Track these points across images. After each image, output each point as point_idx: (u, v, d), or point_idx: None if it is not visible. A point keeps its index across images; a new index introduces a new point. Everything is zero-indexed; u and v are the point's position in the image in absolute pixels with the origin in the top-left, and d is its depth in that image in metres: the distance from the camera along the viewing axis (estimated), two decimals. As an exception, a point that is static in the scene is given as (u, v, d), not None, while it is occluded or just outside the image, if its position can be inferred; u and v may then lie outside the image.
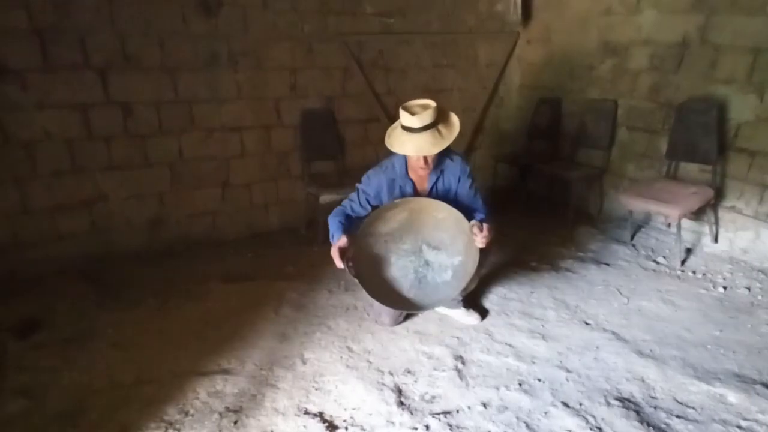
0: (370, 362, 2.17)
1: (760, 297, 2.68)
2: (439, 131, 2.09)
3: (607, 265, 3.10)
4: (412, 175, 2.27)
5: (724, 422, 1.81)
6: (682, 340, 2.33)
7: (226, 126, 3.34)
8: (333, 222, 2.24)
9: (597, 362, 2.17)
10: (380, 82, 3.86)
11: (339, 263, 2.07)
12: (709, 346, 2.27)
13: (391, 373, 2.09)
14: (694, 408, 1.88)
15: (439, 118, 2.11)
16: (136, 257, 3.13)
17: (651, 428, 1.77)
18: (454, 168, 2.28)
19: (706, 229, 3.27)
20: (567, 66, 4.00)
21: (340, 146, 3.71)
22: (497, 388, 1.99)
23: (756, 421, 1.81)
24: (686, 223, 3.29)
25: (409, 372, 2.10)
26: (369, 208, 2.29)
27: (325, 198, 3.23)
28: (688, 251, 3.23)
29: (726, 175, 3.13)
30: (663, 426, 1.79)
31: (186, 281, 2.87)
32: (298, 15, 3.39)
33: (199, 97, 3.20)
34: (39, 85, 2.72)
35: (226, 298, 2.70)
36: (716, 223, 3.21)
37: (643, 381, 2.04)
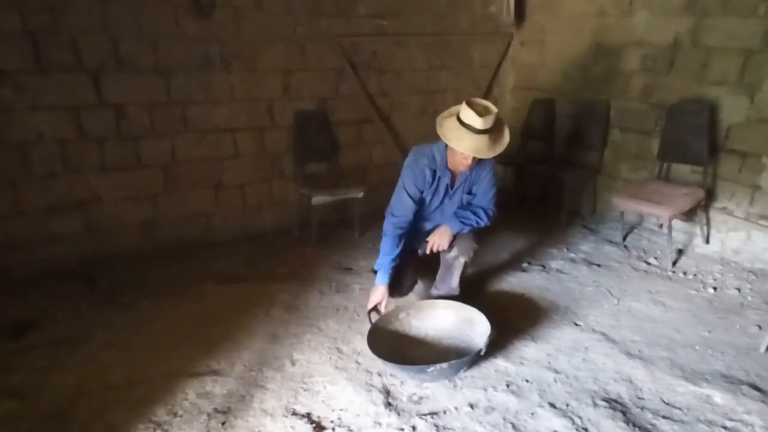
0: (359, 363, 2.18)
1: (749, 298, 2.69)
2: (495, 137, 2.11)
3: (599, 266, 3.11)
4: (451, 167, 2.30)
5: (710, 423, 1.82)
6: (671, 340, 2.34)
7: (219, 127, 3.34)
8: (387, 256, 2.27)
9: (585, 363, 2.18)
10: (374, 84, 3.87)
11: (372, 305, 2.26)
12: (697, 347, 2.28)
13: (379, 374, 2.10)
14: (680, 408, 1.89)
15: (496, 125, 2.11)
16: (130, 258, 3.14)
17: (637, 429, 1.78)
18: (483, 168, 2.33)
19: (697, 230, 3.28)
20: (560, 67, 4.01)
21: (333, 148, 3.73)
22: (485, 389, 2.00)
23: (741, 421, 1.82)
24: (678, 224, 3.30)
25: (398, 373, 2.11)
26: (412, 212, 2.30)
27: (318, 199, 3.24)
28: (680, 252, 3.24)
29: (717, 177, 3.15)
30: (649, 427, 1.80)
31: (179, 282, 2.87)
32: (291, 17, 3.40)
33: (193, 99, 3.20)
34: (32, 87, 2.73)
35: (219, 300, 2.71)
36: (708, 224, 3.22)
37: (630, 382, 2.05)
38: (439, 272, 2.56)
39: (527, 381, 2.06)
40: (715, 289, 2.79)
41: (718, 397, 1.95)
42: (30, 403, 1.94)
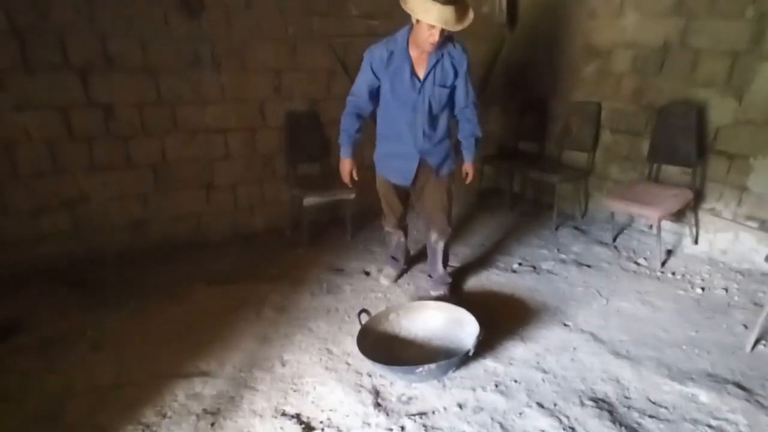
0: (349, 364, 2.18)
1: (736, 298, 2.72)
2: (460, 13, 2.10)
3: (589, 266, 3.13)
4: (412, 52, 2.26)
5: (695, 421, 1.84)
6: (659, 340, 2.36)
7: (210, 127, 3.33)
8: (345, 132, 2.42)
9: (573, 363, 2.19)
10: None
11: (346, 179, 2.50)
12: (684, 347, 2.30)
13: (369, 375, 2.10)
14: (666, 408, 1.91)
15: (460, 1, 2.10)
16: (119, 259, 3.13)
17: (623, 428, 1.80)
18: (455, 54, 2.29)
19: (686, 230, 3.30)
20: (552, 68, 4.02)
21: (325, 148, 3.71)
22: (473, 390, 2.01)
23: (726, 420, 1.85)
24: (667, 224, 3.32)
25: (387, 373, 2.12)
26: (367, 95, 2.36)
27: (309, 200, 3.23)
28: (669, 253, 3.27)
29: (706, 178, 3.17)
30: (635, 426, 1.82)
31: (169, 283, 2.86)
32: (282, 16, 3.39)
33: (183, 99, 3.19)
34: (18, 86, 2.71)
35: (209, 301, 2.70)
36: (696, 224, 3.25)
37: (617, 381, 2.07)
38: (428, 260, 2.81)
39: (515, 381, 2.07)
40: (702, 289, 2.82)
41: (704, 396, 1.97)
42: (18, 405, 1.93)
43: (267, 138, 3.56)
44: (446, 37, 2.22)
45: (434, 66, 2.28)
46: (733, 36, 2.89)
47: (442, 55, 2.28)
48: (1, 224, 2.83)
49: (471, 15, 2.16)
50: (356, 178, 2.53)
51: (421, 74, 2.29)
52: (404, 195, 2.70)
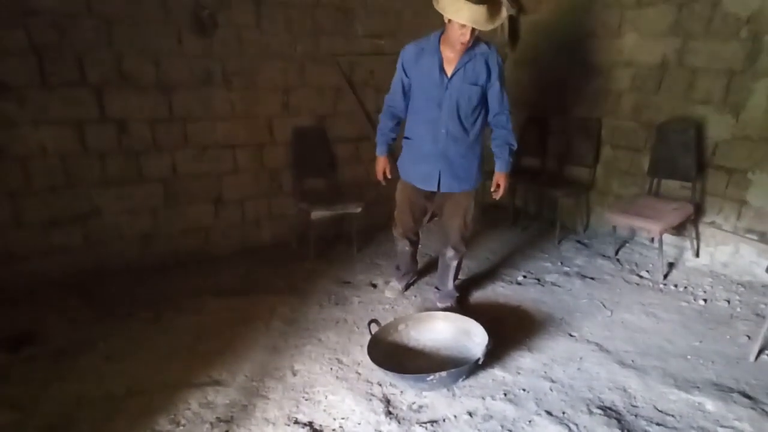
0: (359, 374, 2.21)
1: (738, 309, 2.76)
2: (493, 9, 2.12)
3: (593, 279, 3.17)
4: (444, 50, 2.29)
5: (702, 429, 1.87)
6: (663, 350, 2.39)
7: (219, 143, 3.41)
8: (380, 131, 2.58)
9: (580, 372, 2.22)
10: (371, 101, 3.95)
11: (380, 176, 2.62)
12: (688, 357, 2.33)
13: (379, 384, 2.13)
14: (673, 416, 1.94)
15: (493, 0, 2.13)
16: (129, 271, 3.16)
17: (632, 436, 1.82)
18: (488, 55, 2.30)
19: (688, 243, 3.36)
20: (553, 86, 4.12)
21: (331, 164, 3.79)
22: (483, 398, 2.04)
23: (733, 428, 1.87)
24: (669, 238, 3.38)
25: (397, 383, 2.14)
26: (401, 92, 2.44)
27: (317, 214, 3.28)
28: (671, 265, 3.31)
29: (706, 192, 3.24)
30: (643, 433, 1.84)
31: (178, 295, 2.89)
32: (291, 36, 3.50)
33: (193, 115, 3.27)
34: (36, 102, 2.78)
35: (218, 312, 2.73)
36: (697, 238, 3.30)
37: (624, 390, 2.10)
38: (438, 272, 2.83)
39: (524, 390, 2.10)
40: (705, 300, 2.86)
41: (710, 404, 1.99)
42: (31, 414, 1.94)
43: (275, 153, 3.63)
44: (480, 39, 2.28)
45: (465, 64, 2.28)
46: (728, 55, 2.99)
47: (475, 55, 2.28)
48: (14, 237, 2.88)
49: (504, 13, 2.19)
50: (389, 176, 2.60)
51: (450, 71, 2.30)
52: (421, 208, 2.67)
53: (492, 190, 2.53)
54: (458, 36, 2.17)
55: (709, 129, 3.16)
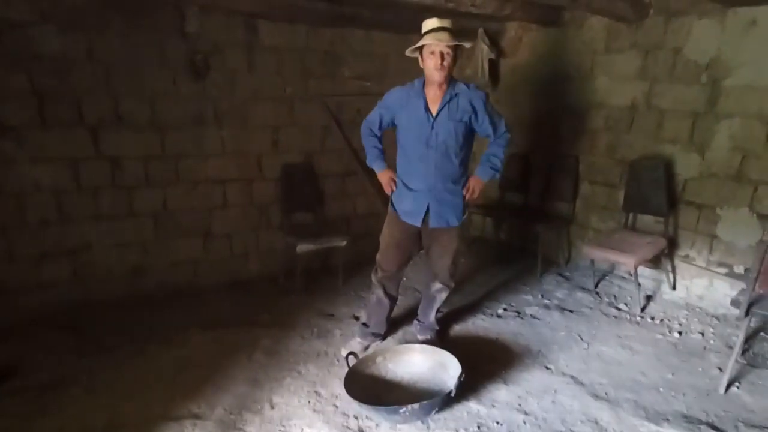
0: (337, 406, 2.24)
1: (712, 342, 2.82)
2: (456, 35, 2.30)
3: (571, 312, 3.24)
4: (428, 92, 2.42)
5: (669, 461, 1.91)
6: (637, 383, 2.44)
7: (210, 179, 3.53)
8: (370, 149, 2.66)
9: (554, 405, 2.27)
10: (358, 139, 3.98)
11: (388, 189, 2.61)
12: (661, 389, 2.39)
13: (356, 417, 2.17)
14: (641, 448, 1.98)
15: (457, 32, 2.31)
16: (117, 305, 3.21)
17: (600, 467, 1.86)
18: (470, 95, 2.43)
19: (664, 277, 3.45)
20: (534, 125, 4.30)
21: (319, 199, 3.91)
22: (457, 431, 2.08)
23: (699, 459, 1.91)
24: (647, 271, 3.47)
25: (373, 415, 2.18)
26: (378, 124, 2.58)
27: (303, 247, 3.37)
28: (649, 298, 3.39)
29: (678, 226, 3.35)
30: (611, 465, 1.88)
31: (164, 328, 2.94)
32: (281, 78, 3.68)
33: (186, 153, 3.40)
34: (34, 141, 2.91)
35: (203, 345, 2.77)
36: (673, 271, 3.39)
37: (596, 423, 2.14)
38: (421, 305, 2.87)
39: (498, 423, 2.14)
40: (680, 333, 2.93)
41: (678, 436, 2.04)
42: (10, 448, 1.97)
43: (263, 188, 3.75)
44: (459, 80, 2.45)
45: (448, 102, 2.40)
46: (691, 98, 3.17)
47: (456, 94, 2.41)
48: (5, 271, 2.94)
49: (463, 40, 2.37)
50: (397, 186, 2.59)
51: (435, 110, 2.41)
52: (406, 250, 2.63)
53: (464, 190, 2.55)
54: (433, 66, 2.31)
55: (678, 167, 3.30)
